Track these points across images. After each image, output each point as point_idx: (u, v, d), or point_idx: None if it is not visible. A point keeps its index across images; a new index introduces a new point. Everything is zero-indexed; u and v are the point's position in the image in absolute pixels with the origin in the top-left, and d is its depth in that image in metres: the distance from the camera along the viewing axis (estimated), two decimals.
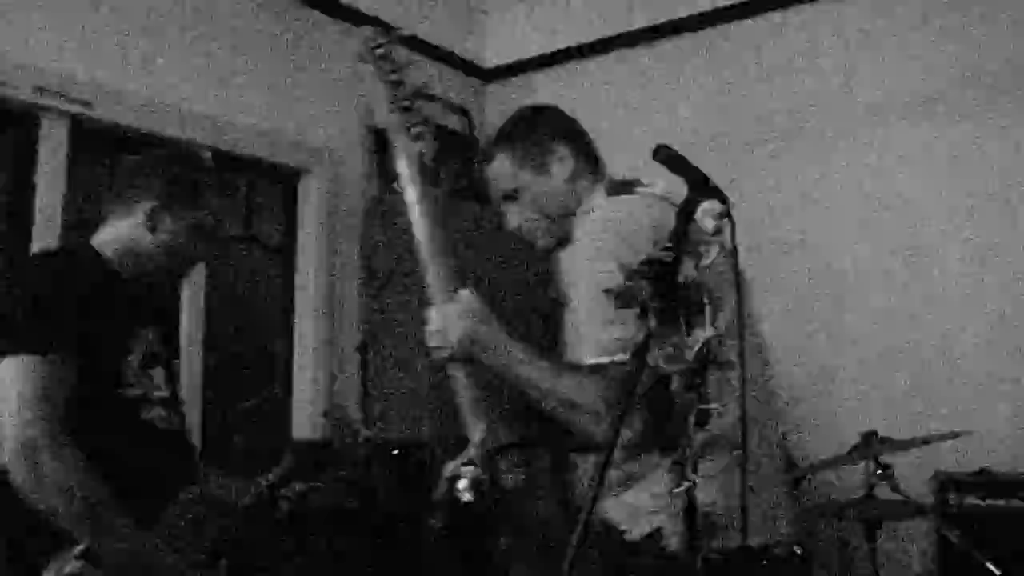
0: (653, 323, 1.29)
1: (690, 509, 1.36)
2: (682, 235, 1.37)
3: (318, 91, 3.92)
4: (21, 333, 1.88)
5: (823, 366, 3.79)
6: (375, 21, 4.15)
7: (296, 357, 3.91)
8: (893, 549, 3.44)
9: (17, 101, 3.01)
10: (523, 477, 1.79)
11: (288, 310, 3.94)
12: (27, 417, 1.81)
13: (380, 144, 4.10)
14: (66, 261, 2.11)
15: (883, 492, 2.99)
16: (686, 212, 1.41)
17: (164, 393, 2.10)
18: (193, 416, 3.46)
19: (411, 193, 1.95)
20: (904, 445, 2.95)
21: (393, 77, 1.99)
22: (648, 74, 4.35)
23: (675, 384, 1.31)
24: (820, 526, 3.47)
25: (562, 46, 4.57)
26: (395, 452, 3.49)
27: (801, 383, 3.78)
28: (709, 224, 1.41)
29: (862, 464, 3.00)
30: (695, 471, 1.31)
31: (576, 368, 1.69)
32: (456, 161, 4.45)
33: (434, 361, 1.90)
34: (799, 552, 2.79)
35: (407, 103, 1.99)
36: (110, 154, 3.33)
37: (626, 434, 1.58)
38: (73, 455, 1.83)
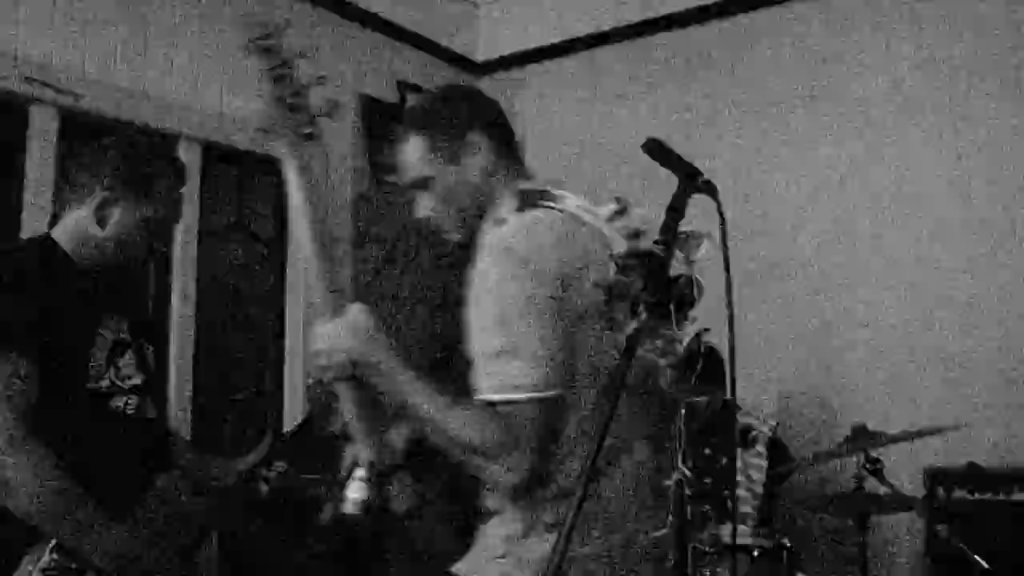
0: (644, 316, 1.28)
1: (680, 501, 1.37)
2: (673, 229, 1.37)
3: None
4: None
5: (815, 361, 3.80)
6: (366, 14, 4.16)
7: (287, 349, 3.91)
8: (883, 542, 3.46)
9: (6, 91, 2.99)
10: (414, 500, 1.72)
11: (279, 302, 3.93)
12: None
13: (371, 137, 4.10)
14: (19, 256, 2.08)
15: (873, 486, 3.00)
16: (677, 206, 1.41)
17: (135, 381, 2.07)
18: (183, 407, 3.45)
19: (297, 200, 1.76)
20: (894, 439, 2.96)
21: (279, 72, 1.80)
22: (640, 69, 4.35)
23: (665, 377, 1.32)
24: (810, 519, 3.48)
25: (553, 41, 4.56)
26: None
27: (792, 377, 3.79)
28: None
29: (853, 458, 3.00)
30: (685, 462, 1.31)
31: (466, 403, 1.59)
32: None
33: (321, 380, 1.76)
34: (788, 545, 2.81)
35: (295, 100, 1.82)
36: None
37: (511, 479, 1.55)
38: (37, 454, 1.81)
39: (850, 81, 3.85)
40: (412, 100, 4.33)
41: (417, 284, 3.88)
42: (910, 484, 3.30)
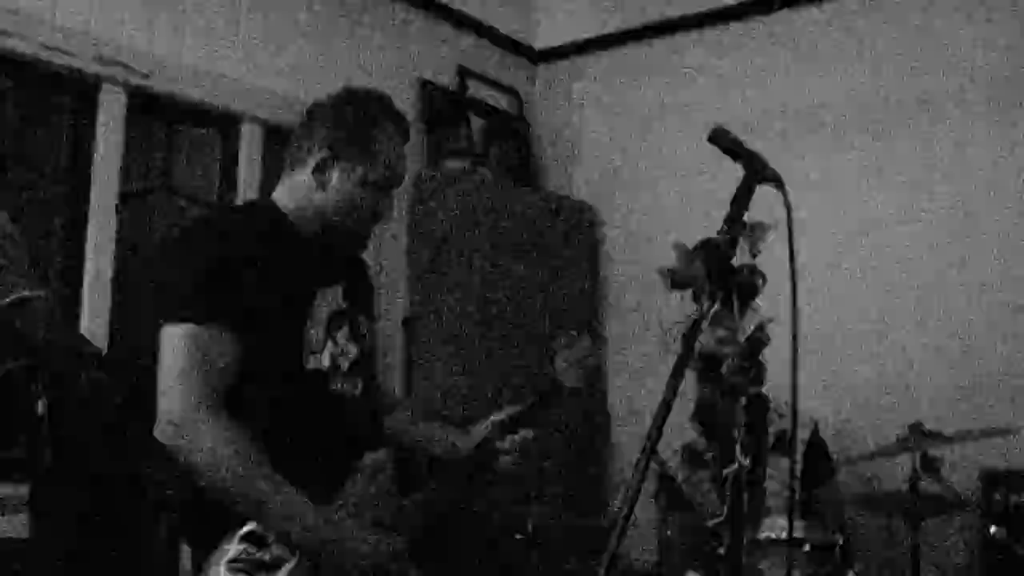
0: (707, 305, 1.28)
1: (737, 493, 1.37)
2: (738, 219, 1.36)
3: (372, 65, 3.93)
4: (182, 301, 1.78)
5: (871, 357, 3.75)
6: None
7: None
8: (936, 543, 3.41)
9: (78, 70, 3.05)
10: None
11: None
12: (183, 390, 1.72)
13: (430, 117, 4.12)
14: (239, 221, 1.98)
15: (927, 486, 2.96)
16: (742, 197, 1.40)
17: (350, 358, 1.94)
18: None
19: None
20: (951, 439, 2.92)
21: None
22: (697, 61, 4.30)
23: (726, 367, 1.32)
24: (863, 517, 3.44)
25: (613, 30, 4.54)
26: None
27: (849, 373, 3.75)
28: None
29: (908, 456, 2.97)
30: (744, 454, 1.31)
31: None
32: (505, 142, 4.45)
33: None
34: (840, 542, 2.78)
35: None
36: (167, 124, 3.40)
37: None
38: (232, 430, 1.73)
39: (909, 79, 3.79)
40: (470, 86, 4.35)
41: (470, 276, 3.89)
42: (966, 485, 3.24)
